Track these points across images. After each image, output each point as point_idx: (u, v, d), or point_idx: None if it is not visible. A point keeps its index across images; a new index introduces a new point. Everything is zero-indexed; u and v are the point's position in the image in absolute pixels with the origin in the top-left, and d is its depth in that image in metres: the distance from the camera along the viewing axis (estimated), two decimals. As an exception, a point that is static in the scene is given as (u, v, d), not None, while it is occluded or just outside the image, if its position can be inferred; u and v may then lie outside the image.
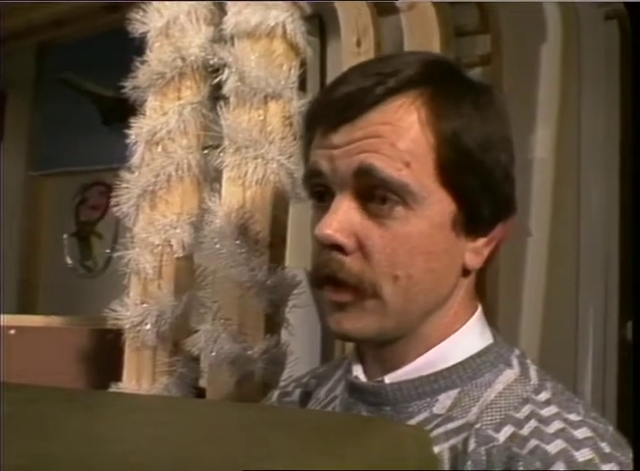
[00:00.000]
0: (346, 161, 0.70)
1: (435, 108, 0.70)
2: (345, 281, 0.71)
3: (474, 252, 0.74)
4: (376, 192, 0.70)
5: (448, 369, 0.73)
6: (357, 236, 0.71)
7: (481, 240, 0.74)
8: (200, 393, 1.34)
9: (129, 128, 1.39)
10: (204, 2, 1.39)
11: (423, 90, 0.71)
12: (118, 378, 1.37)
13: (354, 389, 0.79)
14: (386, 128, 0.70)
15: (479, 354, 0.74)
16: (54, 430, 0.48)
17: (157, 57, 1.38)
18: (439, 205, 0.70)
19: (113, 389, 1.34)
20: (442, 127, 0.70)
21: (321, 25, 2.10)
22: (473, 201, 0.71)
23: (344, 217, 0.71)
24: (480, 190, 0.71)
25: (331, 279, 0.72)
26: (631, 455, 0.67)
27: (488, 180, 0.71)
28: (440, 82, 0.72)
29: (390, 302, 0.71)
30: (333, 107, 0.73)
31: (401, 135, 0.70)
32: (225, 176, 1.28)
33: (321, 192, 0.74)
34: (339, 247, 0.71)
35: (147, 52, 1.40)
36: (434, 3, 1.64)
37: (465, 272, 0.75)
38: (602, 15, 1.86)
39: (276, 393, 0.96)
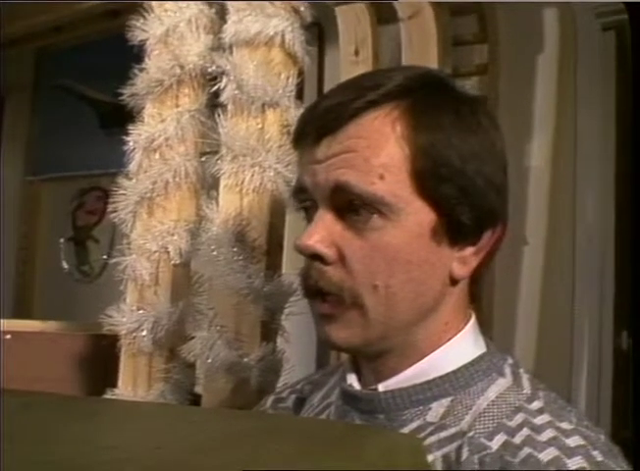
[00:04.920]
0: (325, 176, 0.72)
1: (411, 120, 0.71)
2: (326, 290, 0.73)
3: (461, 262, 0.74)
4: (354, 205, 0.71)
5: (441, 377, 0.74)
6: (338, 247, 0.72)
7: (469, 250, 0.74)
8: (196, 400, 1.34)
9: (127, 133, 1.40)
10: (206, 11, 1.40)
11: (400, 103, 0.72)
12: (113, 384, 1.37)
13: (348, 396, 0.79)
14: (362, 141, 0.71)
15: (472, 363, 0.75)
16: (51, 437, 0.48)
17: (156, 64, 1.39)
18: (417, 215, 0.71)
19: (109, 395, 1.34)
20: (417, 138, 0.71)
21: (320, 33, 2.11)
22: (452, 210, 0.72)
23: (324, 228, 0.73)
24: (458, 199, 0.71)
25: (316, 289, 0.74)
26: (623, 464, 0.68)
27: (468, 189, 0.72)
28: (418, 95, 0.73)
29: (371, 312, 0.72)
30: (315, 121, 0.75)
31: (376, 149, 0.71)
32: (222, 183, 1.28)
33: (307, 206, 0.77)
34: (320, 258, 0.72)
35: (146, 59, 1.41)
36: (434, 13, 1.64)
37: (454, 281, 0.75)
38: (599, 26, 1.87)
39: (270, 399, 0.97)
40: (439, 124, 0.72)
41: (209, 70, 1.36)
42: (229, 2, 1.34)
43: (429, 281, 0.73)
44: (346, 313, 0.73)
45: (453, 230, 0.72)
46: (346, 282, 0.72)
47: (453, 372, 0.74)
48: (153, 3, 1.42)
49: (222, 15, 1.37)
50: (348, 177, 0.71)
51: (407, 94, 0.72)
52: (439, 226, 0.72)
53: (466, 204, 0.72)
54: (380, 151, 0.71)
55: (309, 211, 0.76)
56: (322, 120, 0.73)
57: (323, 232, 0.72)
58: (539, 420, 0.69)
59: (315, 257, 0.73)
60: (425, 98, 0.73)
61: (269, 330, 1.26)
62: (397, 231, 0.71)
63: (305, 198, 0.76)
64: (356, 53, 1.69)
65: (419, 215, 0.71)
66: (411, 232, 0.71)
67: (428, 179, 0.71)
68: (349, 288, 0.72)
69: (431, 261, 0.73)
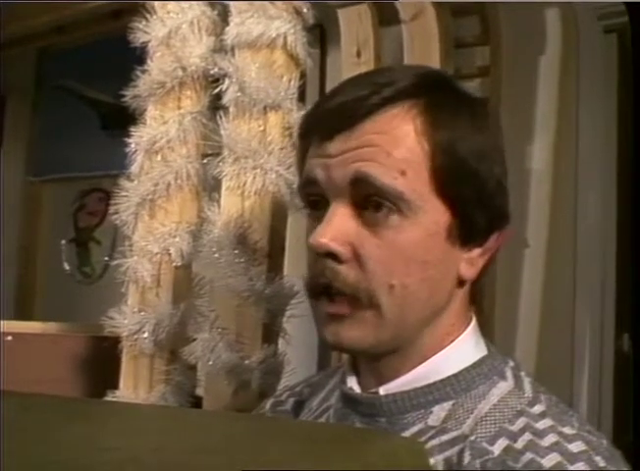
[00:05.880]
0: (341, 170, 0.71)
1: (430, 118, 0.71)
2: (340, 290, 0.71)
3: (469, 263, 0.74)
4: (371, 201, 0.70)
5: (442, 381, 0.73)
6: (352, 245, 0.71)
7: (476, 251, 0.74)
8: (197, 402, 1.34)
9: (128, 135, 1.40)
10: (208, 13, 1.40)
11: (418, 101, 0.72)
12: (115, 386, 1.37)
13: (349, 399, 0.79)
14: (381, 137, 0.70)
15: (473, 366, 0.74)
16: (52, 438, 0.48)
17: (158, 66, 1.39)
18: (434, 214, 0.71)
19: (110, 396, 1.34)
20: (437, 136, 0.71)
21: (322, 34, 2.11)
22: (467, 211, 0.72)
23: (338, 225, 0.71)
24: (474, 200, 0.72)
25: (326, 289, 0.72)
26: (625, 469, 0.67)
27: (482, 189, 0.72)
28: (434, 93, 0.73)
29: (386, 312, 0.71)
30: (328, 117, 0.74)
31: (397, 144, 0.70)
32: (224, 185, 1.28)
33: (316, 201, 0.75)
34: (334, 256, 0.71)
35: (148, 61, 1.41)
36: (436, 15, 1.64)
37: (460, 282, 0.75)
38: (601, 28, 1.87)
39: (269, 402, 0.96)
40: (457, 123, 0.72)
41: (211, 72, 1.36)
42: (231, 3, 1.34)
43: (442, 281, 0.73)
44: (359, 313, 0.71)
45: (466, 230, 0.72)
46: (361, 281, 0.71)
47: (455, 375, 0.73)
48: (155, 4, 1.42)
49: (224, 17, 1.37)
50: (370, 169, 0.70)
51: (423, 92, 0.72)
52: (453, 226, 0.72)
53: (480, 205, 0.72)
54: (401, 147, 0.70)
55: (316, 207, 0.75)
56: (336, 116, 0.72)
57: (337, 229, 0.71)
58: (541, 424, 0.68)
59: (329, 256, 0.71)
60: (441, 97, 0.73)
61: (270, 332, 1.26)
62: (414, 229, 0.70)
63: (314, 192, 0.75)
64: (358, 54, 1.69)
65: (436, 214, 0.71)
66: (428, 230, 0.71)
67: (447, 178, 0.71)
68: (365, 288, 0.70)
69: (445, 261, 0.73)
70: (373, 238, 0.71)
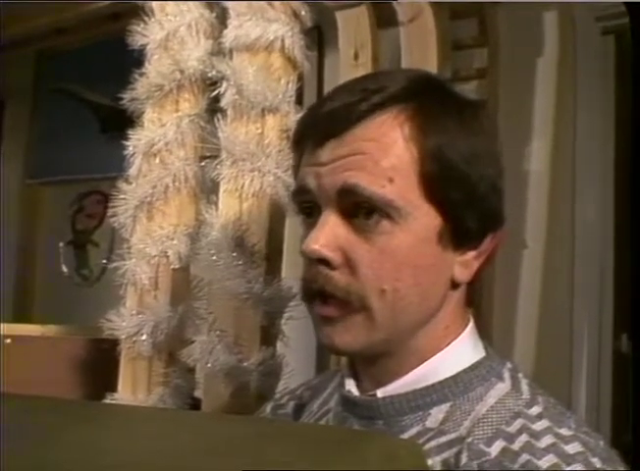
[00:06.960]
0: (331, 178, 0.72)
1: (418, 123, 0.71)
2: (332, 294, 0.72)
3: (463, 265, 0.74)
4: (361, 208, 0.71)
5: (440, 383, 0.74)
6: (344, 251, 0.71)
7: (470, 254, 0.74)
8: (196, 404, 1.34)
9: (126, 137, 1.40)
10: (206, 15, 1.40)
11: (407, 106, 0.72)
12: (113, 388, 1.37)
13: (347, 402, 0.79)
14: (370, 144, 0.71)
15: (471, 368, 0.74)
16: (52, 441, 0.48)
17: (156, 69, 1.39)
18: (424, 219, 0.71)
19: (108, 399, 1.34)
20: (425, 141, 0.71)
21: (319, 37, 2.11)
22: (458, 215, 0.72)
23: (330, 232, 0.72)
24: (465, 204, 0.72)
25: (319, 293, 0.73)
26: (622, 470, 0.68)
27: (473, 193, 0.72)
28: (424, 98, 0.73)
29: (377, 316, 0.72)
30: (319, 124, 0.74)
31: (385, 152, 0.70)
32: (222, 188, 1.29)
33: (309, 208, 0.76)
34: (326, 262, 0.72)
35: (146, 64, 1.41)
36: (434, 16, 1.64)
37: (455, 285, 0.75)
38: (599, 30, 1.87)
39: (270, 406, 0.97)
40: (445, 127, 0.72)
41: (209, 74, 1.36)
42: (229, 5, 1.34)
43: (434, 285, 0.73)
44: (351, 316, 0.72)
45: (458, 234, 0.72)
46: (352, 286, 0.71)
47: (453, 377, 0.74)
48: (154, 5, 1.42)
49: (222, 19, 1.38)
50: (358, 179, 0.70)
51: (412, 97, 0.72)
52: (444, 230, 0.72)
53: (471, 208, 0.72)
54: (389, 154, 0.70)
55: (309, 214, 0.76)
56: (327, 122, 0.73)
57: (328, 235, 0.72)
58: (538, 426, 0.68)
59: (321, 262, 0.72)
60: (431, 101, 0.73)
61: (268, 334, 1.26)
62: (404, 234, 0.71)
63: (306, 200, 0.75)
64: (356, 57, 1.69)
65: (426, 219, 0.71)
66: (419, 236, 0.71)
67: (436, 183, 0.71)
68: (357, 292, 0.71)
69: (437, 265, 0.73)
70: (364, 244, 0.71)
